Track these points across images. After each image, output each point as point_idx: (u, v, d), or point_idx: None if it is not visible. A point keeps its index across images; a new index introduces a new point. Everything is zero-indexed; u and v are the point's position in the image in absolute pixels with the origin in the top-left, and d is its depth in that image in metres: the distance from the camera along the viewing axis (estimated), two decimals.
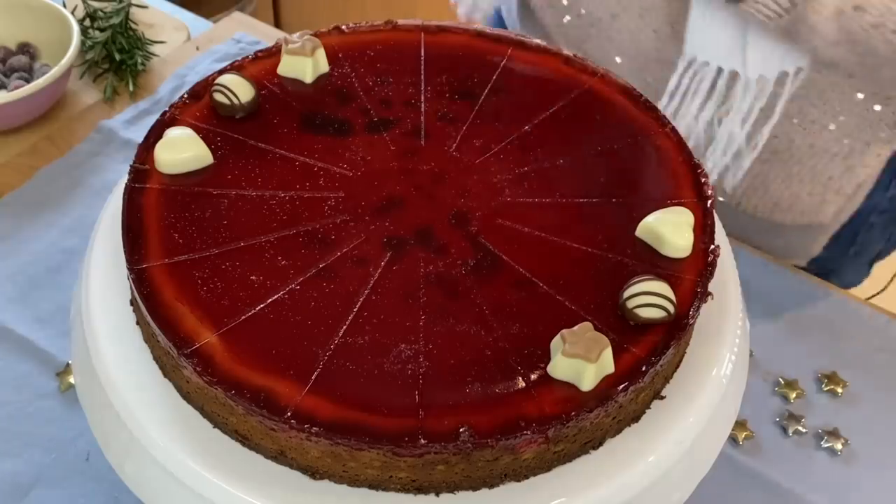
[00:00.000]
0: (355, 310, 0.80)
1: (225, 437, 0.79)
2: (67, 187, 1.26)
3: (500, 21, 1.43)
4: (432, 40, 1.01)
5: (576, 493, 0.77)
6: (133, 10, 1.46)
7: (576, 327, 0.76)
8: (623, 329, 0.79)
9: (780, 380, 1.10)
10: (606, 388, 0.75)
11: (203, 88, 0.95)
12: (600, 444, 0.79)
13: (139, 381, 0.82)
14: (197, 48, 1.47)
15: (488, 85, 0.98)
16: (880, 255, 1.41)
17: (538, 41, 1.02)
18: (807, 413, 1.07)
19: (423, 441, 0.72)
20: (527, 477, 0.77)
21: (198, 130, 0.90)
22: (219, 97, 0.93)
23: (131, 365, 0.83)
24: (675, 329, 0.79)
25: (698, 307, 0.81)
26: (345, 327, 0.79)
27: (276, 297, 0.80)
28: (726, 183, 1.20)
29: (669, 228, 0.84)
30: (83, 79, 1.40)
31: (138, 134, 1.26)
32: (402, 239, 0.85)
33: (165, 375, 0.82)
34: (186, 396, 0.80)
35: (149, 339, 0.83)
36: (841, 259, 1.36)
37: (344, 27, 1.02)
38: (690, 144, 1.08)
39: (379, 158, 0.92)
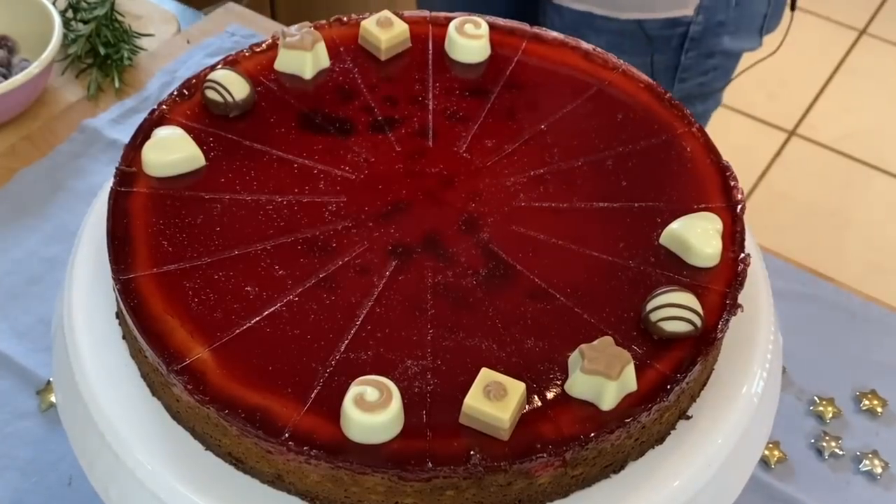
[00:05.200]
0: (358, 323, 0.80)
1: (218, 459, 0.79)
2: (48, 191, 1.26)
3: None
4: (441, 33, 1.01)
5: None
6: (119, 0, 1.47)
7: (595, 342, 0.76)
8: (646, 344, 0.79)
9: (815, 398, 1.10)
10: (628, 407, 0.75)
11: (194, 85, 0.95)
12: (622, 467, 0.79)
13: (125, 399, 0.82)
14: (188, 41, 1.47)
15: (501, 81, 0.98)
16: (768, 23, 1.56)
17: (555, 34, 1.02)
18: (844, 434, 1.07)
19: (430, 464, 0.72)
20: (543, 503, 0.77)
21: (189, 130, 0.91)
22: (211, 94, 0.93)
23: (117, 382, 0.83)
24: (703, 344, 0.79)
25: (727, 320, 0.81)
26: (346, 342, 0.79)
27: (272, 309, 0.80)
28: None
29: (696, 236, 0.84)
30: (65, 74, 1.40)
31: (125, 134, 1.26)
32: (408, 247, 0.85)
33: (154, 394, 0.82)
34: (176, 416, 0.80)
35: (136, 354, 0.83)
36: (727, 9, 1.49)
37: (345, 18, 1.02)
38: None
39: (383, 160, 0.92)
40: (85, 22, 1.42)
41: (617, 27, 1.49)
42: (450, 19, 1.02)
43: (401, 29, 0.99)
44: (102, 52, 1.39)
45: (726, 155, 0.93)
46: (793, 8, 1.58)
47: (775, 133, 2.86)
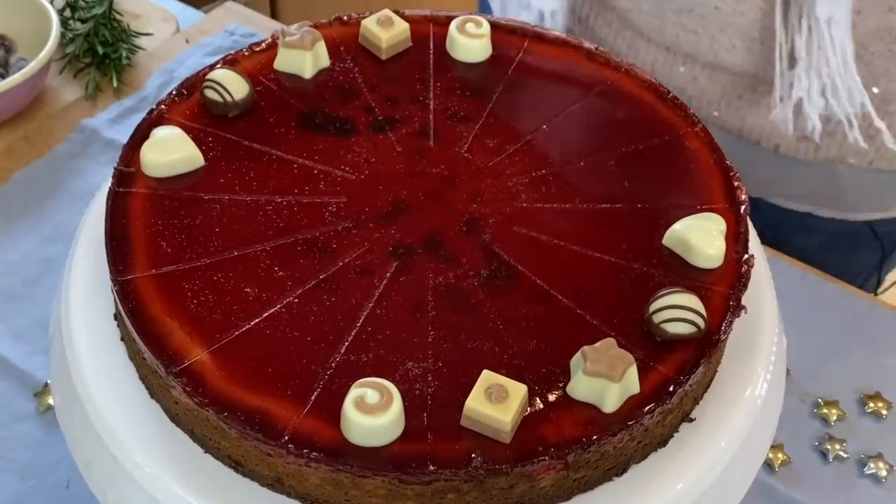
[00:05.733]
0: (358, 325, 0.80)
1: (217, 462, 0.79)
2: (46, 192, 1.26)
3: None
4: (442, 32, 1.01)
5: None
6: None
7: (598, 344, 0.76)
8: (649, 345, 0.79)
9: (820, 401, 1.10)
10: (631, 409, 0.75)
11: (193, 84, 0.95)
12: (624, 470, 0.79)
13: (124, 401, 0.82)
14: (187, 41, 1.47)
15: (503, 80, 0.98)
16: None
17: (557, 33, 1.02)
18: (848, 437, 1.07)
19: (432, 467, 0.72)
20: None
21: (187, 130, 0.91)
22: (210, 94, 0.93)
23: (115, 384, 0.83)
24: (706, 346, 0.79)
25: (731, 322, 0.81)
26: (347, 344, 0.79)
27: (272, 310, 0.80)
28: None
29: (699, 236, 0.84)
30: (63, 74, 1.40)
31: (123, 134, 1.26)
32: (409, 248, 0.85)
33: (152, 396, 0.82)
34: (175, 419, 0.81)
35: (134, 356, 0.83)
36: None
37: (346, 17, 1.02)
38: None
39: (384, 160, 0.92)
40: (83, 21, 1.42)
41: (839, 228, 1.37)
42: (451, 18, 1.02)
43: (401, 28, 0.99)
44: (100, 51, 1.39)
45: None
46: None
47: None
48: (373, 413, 0.72)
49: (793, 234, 1.20)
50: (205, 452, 0.79)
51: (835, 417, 1.08)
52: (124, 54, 1.41)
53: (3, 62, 1.35)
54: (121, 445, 0.79)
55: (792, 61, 1.14)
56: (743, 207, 0.88)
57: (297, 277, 0.83)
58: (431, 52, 1.00)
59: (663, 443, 0.81)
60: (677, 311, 0.78)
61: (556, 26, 1.24)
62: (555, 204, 0.89)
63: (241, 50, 0.99)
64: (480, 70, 0.99)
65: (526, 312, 0.81)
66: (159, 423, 0.81)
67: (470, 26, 0.99)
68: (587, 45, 1.01)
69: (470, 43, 0.99)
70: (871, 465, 1.05)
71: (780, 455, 1.04)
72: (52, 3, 1.37)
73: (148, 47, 1.45)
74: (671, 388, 0.76)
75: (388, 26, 0.99)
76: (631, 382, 0.75)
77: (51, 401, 1.04)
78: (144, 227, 0.85)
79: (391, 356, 0.78)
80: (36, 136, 1.32)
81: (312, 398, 0.75)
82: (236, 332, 0.79)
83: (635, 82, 0.98)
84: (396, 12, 1.01)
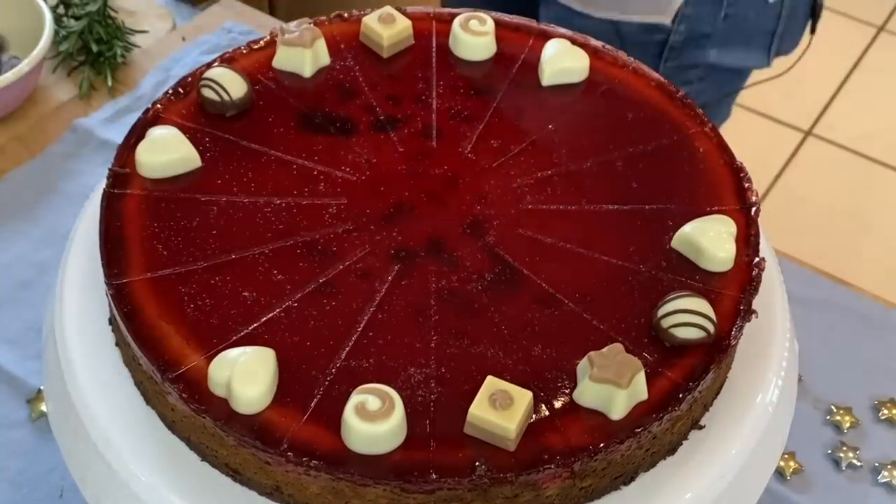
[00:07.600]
0: (359, 329, 0.80)
1: (214, 471, 0.79)
2: (39, 193, 1.26)
3: None
4: (445, 30, 1.01)
5: None
6: None
7: (605, 349, 0.76)
8: (657, 351, 0.79)
9: (833, 407, 1.10)
10: (639, 416, 0.75)
11: (190, 83, 0.95)
12: (632, 479, 0.79)
13: (119, 408, 0.82)
14: (183, 39, 1.47)
15: (507, 79, 0.98)
16: (780, 44, 1.50)
17: (563, 30, 1.02)
18: (862, 444, 1.07)
19: (434, 476, 0.72)
20: None
21: (184, 130, 0.91)
22: (207, 93, 0.93)
23: (110, 391, 0.83)
24: (716, 351, 0.79)
25: (741, 327, 0.81)
26: (347, 349, 0.79)
27: (271, 315, 0.80)
28: None
29: (709, 239, 0.84)
30: (56, 72, 1.40)
31: (118, 134, 1.25)
32: (411, 251, 0.85)
33: (148, 402, 0.82)
34: (171, 426, 0.81)
35: (129, 362, 0.83)
36: (713, 21, 1.44)
37: (346, 15, 1.02)
38: None
39: (385, 161, 0.92)
40: (77, 18, 1.42)
41: (593, 27, 1.44)
42: (454, 15, 1.02)
43: (403, 25, 0.99)
44: (95, 49, 1.39)
45: (740, 155, 0.93)
46: (813, 31, 1.55)
47: (791, 133, 2.86)
48: (374, 420, 0.72)
49: None
50: (202, 460, 0.79)
51: (848, 424, 1.08)
52: (119, 52, 1.41)
53: None
54: (116, 454, 0.80)
55: None
56: (753, 209, 0.88)
57: (297, 281, 0.83)
58: (434, 50, 1.00)
59: (672, 450, 0.81)
60: (686, 316, 0.78)
61: None
62: (560, 205, 0.90)
63: (239, 48, 0.99)
64: (484, 68, 1.00)
65: (531, 317, 0.81)
66: (155, 430, 0.81)
67: (474, 23, 0.99)
68: (593, 42, 1.01)
69: (474, 41, 0.99)
70: (885, 473, 1.05)
71: (791, 463, 1.04)
72: (45, 0, 1.37)
73: (143, 45, 1.45)
74: (680, 395, 0.76)
75: (389, 23, 0.99)
76: (639, 389, 0.75)
77: (44, 407, 1.04)
78: (140, 229, 0.85)
79: (393, 361, 0.78)
80: (28, 137, 1.32)
81: (312, 405, 0.75)
82: (234, 338, 0.79)
83: (643, 81, 0.98)
84: (398, 9, 1.01)
